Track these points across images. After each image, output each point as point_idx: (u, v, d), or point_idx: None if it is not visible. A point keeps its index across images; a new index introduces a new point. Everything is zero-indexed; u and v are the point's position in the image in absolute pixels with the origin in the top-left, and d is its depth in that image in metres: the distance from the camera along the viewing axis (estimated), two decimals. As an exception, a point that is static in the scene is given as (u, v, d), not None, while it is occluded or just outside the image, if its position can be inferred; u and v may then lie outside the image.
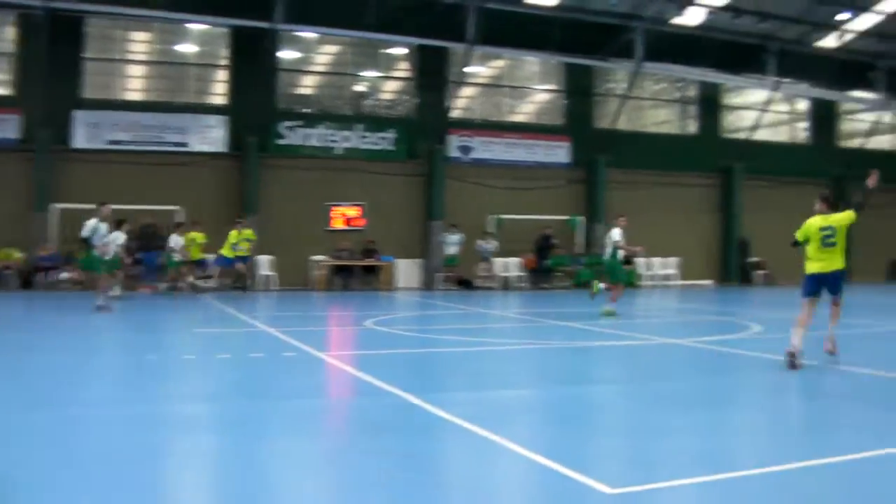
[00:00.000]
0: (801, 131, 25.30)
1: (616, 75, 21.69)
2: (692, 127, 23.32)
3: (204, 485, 3.81)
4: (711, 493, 3.61)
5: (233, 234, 15.69)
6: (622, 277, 12.36)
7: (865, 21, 22.37)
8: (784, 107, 24.88)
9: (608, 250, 11.89)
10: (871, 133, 25.36)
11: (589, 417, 5.46)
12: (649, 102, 23.00)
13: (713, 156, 22.61)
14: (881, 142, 26.36)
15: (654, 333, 10.41)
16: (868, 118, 25.65)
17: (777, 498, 3.55)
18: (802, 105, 25.07)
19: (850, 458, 4.11)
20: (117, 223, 13.21)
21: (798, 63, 22.54)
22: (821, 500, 3.57)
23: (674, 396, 6.05)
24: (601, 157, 20.92)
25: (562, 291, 19.20)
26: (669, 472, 3.91)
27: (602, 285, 12.17)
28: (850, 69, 23.67)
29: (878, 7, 21.62)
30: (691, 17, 21.29)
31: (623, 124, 21.60)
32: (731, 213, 22.66)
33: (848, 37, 23.00)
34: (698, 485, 3.67)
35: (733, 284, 22.20)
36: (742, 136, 23.52)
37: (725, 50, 21.57)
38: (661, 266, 21.16)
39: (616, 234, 11.74)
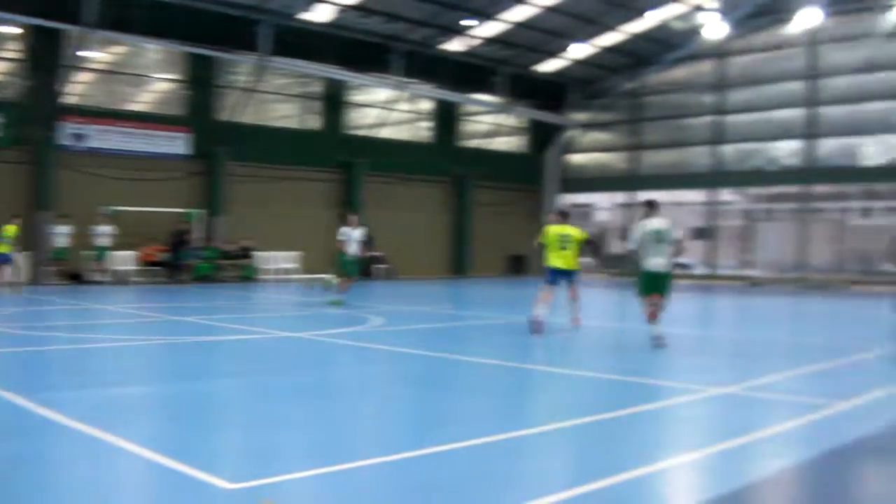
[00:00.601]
0: (424, 130, 33.85)
1: (240, 68, 27.28)
2: (316, 123, 30.11)
3: None
4: (331, 484, 4.61)
5: None
6: (353, 272, 17.36)
7: (490, 28, 30.88)
8: (408, 106, 33.03)
9: (352, 248, 16.78)
10: (491, 135, 34.91)
11: (207, 413, 6.71)
12: (273, 96, 29.20)
13: (336, 152, 29.54)
14: (501, 143, 36.32)
15: (274, 327, 13.26)
16: (489, 120, 35.20)
17: (395, 485, 4.62)
18: (427, 105, 33.42)
19: (467, 444, 5.49)
20: None
21: (424, 64, 30.48)
22: (438, 487, 4.62)
23: (292, 389, 7.74)
24: (222, 149, 26.44)
25: (186, 286, 23.79)
26: (289, 465, 4.93)
27: (335, 280, 17.66)
28: (474, 73, 32.51)
29: (503, 16, 30.14)
30: (320, 14, 27.86)
31: (246, 117, 27.33)
32: (352, 207, 29.84)
33: (473, 42, 31.74)
34: (318, 476, 4.68)
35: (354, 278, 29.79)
36: (365, 133, 30.98)
37: (353, 48, 28.52)
38: (282, 260, 27.91)
39: (358, 233, 17.19)
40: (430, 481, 4.82)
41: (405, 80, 30.01)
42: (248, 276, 26.44)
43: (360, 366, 10.00)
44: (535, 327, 12.29)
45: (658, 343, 10.84)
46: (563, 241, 12.74)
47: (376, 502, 4.48)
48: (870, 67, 29.51)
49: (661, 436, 6.41)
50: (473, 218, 33.34)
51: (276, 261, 27.59)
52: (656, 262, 10.91)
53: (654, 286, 10.98)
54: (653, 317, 11.03)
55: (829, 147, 31.00)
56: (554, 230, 12.91)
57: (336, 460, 5.16)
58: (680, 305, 19.27)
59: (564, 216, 13.49)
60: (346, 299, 17.07)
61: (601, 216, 41.21)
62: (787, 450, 5.93)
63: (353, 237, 17.21)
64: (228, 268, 26.35)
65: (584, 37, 31.93)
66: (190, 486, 4.58)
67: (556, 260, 12.75)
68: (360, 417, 6.84)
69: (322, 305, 17.39)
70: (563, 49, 32.84)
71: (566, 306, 13.20)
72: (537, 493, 4.53)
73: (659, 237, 10.91)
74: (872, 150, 30.21)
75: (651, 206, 11.25)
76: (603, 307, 20.88)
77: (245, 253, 26.69)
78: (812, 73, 31.09)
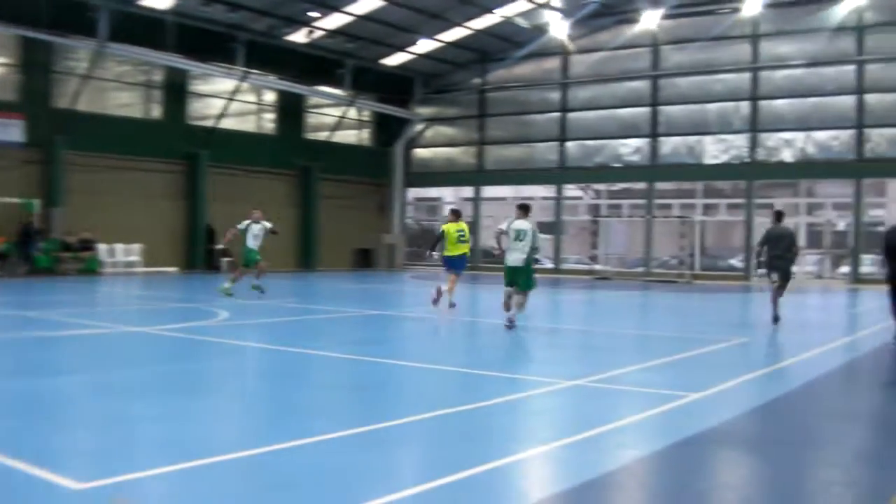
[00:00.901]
0: (268, 122, 38.05)
1: (78, 53, 30.31)
2: (157, 112, 33.55)
3: None
4: (186, 480, 5.21)
5: None
6: (251, 263, 20.29)
7: (335, 20, 34.99)
8: (252, 97, 37.08)
9: (253, 242, 19.96)
10: (337, 128, 39.54)
11: (53, 411, 7.19)
12: (113, 84, 32.42)
13: (179, 142, 33.04)
14: (345, 136, 41.05)
15: (120, 322, 14.52)
16: (334, 113, 39.74)
17: (251, 481, 5.25)
18: (271, 96, 37.58)
19: (322, 438, 6.23)
20: None
21: (267, 55, 34.36)
22: (295, 482, 5.22)
23: (140, 385, 8.39)
24: (60, 138, 29.37)
25: (24, 279, 26.19)
26: (141, 462, 5.51)
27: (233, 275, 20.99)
28: (319, 65, 36.83)
29: (348, 8, 33.97)
30: (160, 1, 31.03)
31: (84, 105, 30.32)
32: (196, 199, 33.86)
33: (318, 34, 36.10)
34: (172, 473, 5.27)
35: (199, 271, 33.30)
36: (208, 123, 34.55)
37: (196, 37, 31.83)
38: (123, 253, 31.01)
39: (258, 227, 19.90)
40: (286, 477, 5.35)
41: (248, 70, 33.82)
42: (91, 269, 29.44)
43: (210, 360, 10.96)
44: (436, 298, 17.70)
45: (510, 325, 14.00)
46: (461, 236, 17.93)
47: (233, 498, 4.99)
48: (709, 68, 36.05)
49: (516, 428, 7.20)
50: (320, 211, 37.67)
51: (119, 253, 30.81)
52: (514, 257, 14.24)
53: (512, 278, 14.31)
54: (506, 307, 14.36)
55: (672, 145, 37.24)
56: (452, 227, 17.98)
57: (190, 457, 5.75)
58: (529, 299, 23.67)
59: (457, 215, 18.76)
60: (234, 290, 19.57)
61: (448, 210, 46.33)
62: (640, 440, 6.79)
63: (253, 231, 20.08)
64: (69, 260, 29.23)
65: (430, 31, 36.95)
66: (35, 486, 4.98)
67: (454, 250, 17.98)
68: (212, 413, 7.57)
69: (159, 300, 20.16)
70: (410, 43, 37.75)
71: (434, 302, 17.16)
72: (394, 486, 5.17)
73: (518, 236, 14.15)
74: (713, 149, 36.47)
75: (523, 209, 14.65)
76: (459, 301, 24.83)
77: (87, 245, 29.87)
78: (655, 73, 37.25)
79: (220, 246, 32.66)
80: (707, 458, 6.35)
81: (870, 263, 36.14)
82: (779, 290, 15.92)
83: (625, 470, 5.83)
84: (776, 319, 15.64)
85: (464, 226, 18.27)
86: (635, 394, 8.63)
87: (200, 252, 33.64)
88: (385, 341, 13.72)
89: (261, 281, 20.01)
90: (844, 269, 34.36)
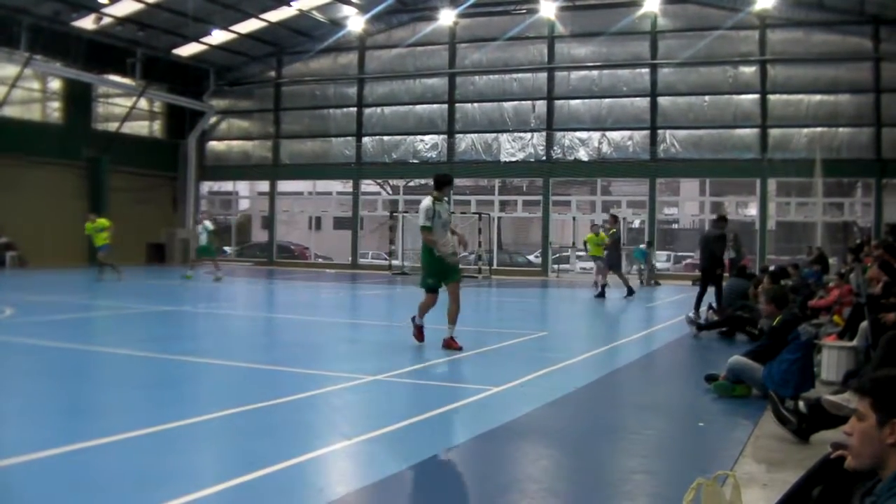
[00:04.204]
0: (54, 111, 36.71)
1: None
2: (-70, 98, 31.95)
3: None
4: None
5: None
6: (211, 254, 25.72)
7: (125, 7, 34.35)
8: (37, 84, 35.74)
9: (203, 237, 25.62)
10: (126, 118, 38.40)
11: None
12: None
13: None
14: (137, 127, 40.08)
15: None
16: (125, 103, 38.77)
17: (43, 484, 5.08)
18: (57, 84, 36.32)
19: (117, 438, 6.12)
20: None
21: (53, 41, 33.28)
22: (90, 484, 5.16)
23: None
24: None
25: None
26: None
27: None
28: (107, 53, 35.93)
29: None
30: None
31: None
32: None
33: (106, 21, 34.99)
34: None
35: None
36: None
37: None
38: None
39: (207, 225, 25.16)
40: (80, 479, 5.29)
41: (31, 55, 32.51)
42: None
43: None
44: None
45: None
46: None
47: (26, 502, 4.85)
48: (506, 67, 37.61)
49: (317, 424, 7.19)
50: (110, 204, 36.45)
51: None
52: None
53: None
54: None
55: (469, 141, 38.42)
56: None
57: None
58: (325, 295, 24.26)
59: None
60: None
61: (243, 205, 46.18)
62: (443, 433, 6.95)
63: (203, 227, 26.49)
64: None
65: (224, 22, 36.74)
66: None
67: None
68: (5, 413, 7.25)
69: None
70: (204, 34, 37.40)
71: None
72: (194, 485, 5.09)
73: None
74: (510, 146, 37.88)
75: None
76: (249, 296, 25.10)
77: None
78: (452, 71, 38.61)
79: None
80: (509, 451, 6.40)
81: (664, 260, 38.76)
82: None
83: (428, 464, 5.90)
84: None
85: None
86: (438, 388, 8.80)
87: (-21, 245, 31.94)
88: (179, 338, 13.43)
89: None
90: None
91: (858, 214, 33.91)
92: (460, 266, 12.04)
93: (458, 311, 11.55)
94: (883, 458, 3.02)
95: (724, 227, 17.54)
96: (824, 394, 7.13)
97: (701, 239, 17.83)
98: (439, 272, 11.51)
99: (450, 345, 11.37)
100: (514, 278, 34.85)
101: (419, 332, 11.80)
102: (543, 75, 36.85)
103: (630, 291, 23.23)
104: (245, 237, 47.76)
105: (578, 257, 38.31)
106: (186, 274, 27.10)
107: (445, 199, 11.75)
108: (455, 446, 6.51)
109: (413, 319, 11.89)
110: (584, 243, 25.76)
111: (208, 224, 27.03)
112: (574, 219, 37.55)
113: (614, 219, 24.25)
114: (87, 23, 34.81)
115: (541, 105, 37.01)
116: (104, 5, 33.89)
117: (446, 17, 37.00)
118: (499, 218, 38.55)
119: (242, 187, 45.52)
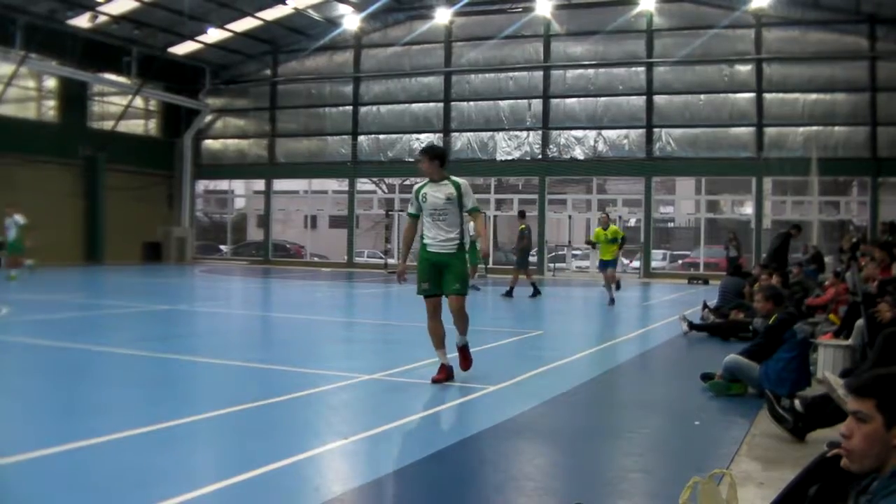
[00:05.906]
0: (50, 109, 36.63)
1: None
2: (-74, 96, 31.87)
3: None
4: None
5: None
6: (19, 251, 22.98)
7: (120, 6, 34.24)
8: (32, 82, 35.65)
9: (11, 233, 22.50)
10: (122, 116, 38.34)
11: None
12: None
13: None
14: (133, 126, 40.02)
15: None
16: (121, 101, 38.70)
17: (42, 483, 5.10)
18: (52, 83, 36.23)
19: (116, 437, 6.12)
20: None
21: (49, 39, 33.11)
22: (88, 483, 5.17)
23: None
24: None
25: None
26: None
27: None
28: (103, 51, 35.86)
29: None
30: None
31: None
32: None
33: (102, 19, 34.91)
34: None
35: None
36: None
37: None
38: None
39: (18, 219, 22.35)
40: (76, 478, 5.29)
41: (27, 54, 32.43)
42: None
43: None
44: None
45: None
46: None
47: (28, 501, 4.85)
48: (502, 66, 37.52)
49: (314, 423, 7.16)
50: (107, 203, 36.51)
51: None
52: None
53: None
54: None
55: (464, 140, 38.37)
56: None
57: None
58: (320, 293, 24.15)
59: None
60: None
61: (239, 203, 46.16)
62: (440, 432, 7.01)
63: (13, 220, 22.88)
64: None
65: (219, 20, 36.69)
66: None
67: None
68: None
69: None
70: (199, 32, 37.32)
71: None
72: (191, 484, 5.08)
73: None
74: (506, 145, 37.83)
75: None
76: (244, 294, 25.07)
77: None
78: (448, 69, 38.49)
79: None
80: (505, 449, 6.35)
81: (660, 258, 38.78)
82: None
83: (424, 462, 5.88)
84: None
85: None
86: (434, 387, 8.67)
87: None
88: (175, 337, 13.40)
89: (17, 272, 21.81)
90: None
91: (854, 213, 33.95)
92: (466, 276, 9.18)
93: (464, 326, 9.11)
94: (886, 459, 2.98)
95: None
96: (821, 393, 7.10)
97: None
98: (431, 276, 8.96)
99: (463, 355, 9.20)
100: (509, 277, 34.48)
101: (443, 371, 8.95)
102: (539, 74, 36.83)
103: (536, 292, 22.72)
104: (241, 236, 47.71)
105: (574, 256, 38.32)
106: (10, 275, 22.44)
107: (445, 181, 8.90)
108: (451, 445, 6.45)
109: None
110: (592, 243, 23.20)
111: (18, 218, 23.15)
112: (570, 217, 37.54)
113: (521, 214, 24.65)
114: (82, 21, 34.70)
115: (537, 104, 36.94)
116: (100, 3, 33.78)
117: (442, 16, 36.95)
118: (495, 216, 38.43)
119: (238, 186, 45.46)
